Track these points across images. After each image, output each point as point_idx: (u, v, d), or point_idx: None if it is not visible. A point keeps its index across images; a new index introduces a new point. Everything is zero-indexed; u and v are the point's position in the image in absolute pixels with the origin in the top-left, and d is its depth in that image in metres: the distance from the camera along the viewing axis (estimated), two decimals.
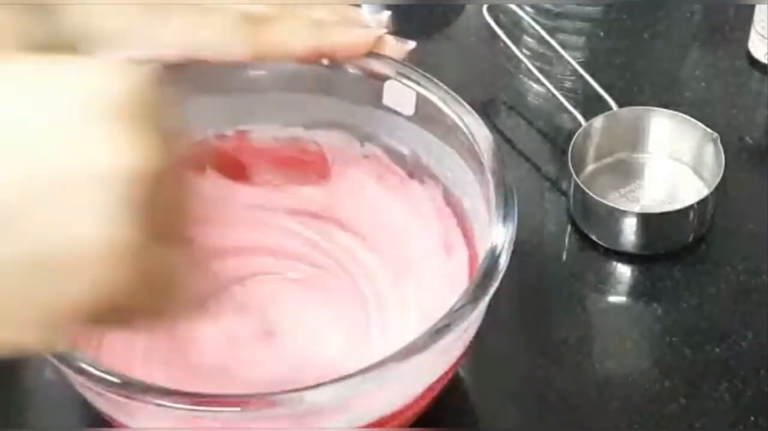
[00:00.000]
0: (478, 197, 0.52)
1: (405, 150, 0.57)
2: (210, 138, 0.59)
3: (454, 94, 0.53)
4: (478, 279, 0.47)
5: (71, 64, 0.34)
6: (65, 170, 0.32)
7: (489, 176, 0.50)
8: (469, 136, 0.52)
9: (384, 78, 0.54)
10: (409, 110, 0.55)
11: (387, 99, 0.55)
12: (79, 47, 0.44)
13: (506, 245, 0.48)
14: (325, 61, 0.53)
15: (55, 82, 0.33)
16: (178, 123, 0.35)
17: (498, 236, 0.48)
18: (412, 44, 0.54)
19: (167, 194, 0.34)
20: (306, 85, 0.56)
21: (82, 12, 0.45)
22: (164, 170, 0.33)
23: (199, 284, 0.37)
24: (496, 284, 0.47)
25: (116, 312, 0.34)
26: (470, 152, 0.52)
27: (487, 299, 0.47)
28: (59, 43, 0.44)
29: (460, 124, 0.52)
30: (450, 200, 0.56)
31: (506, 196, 0.49)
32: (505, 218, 0.48)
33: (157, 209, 0.33)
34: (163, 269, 0.35)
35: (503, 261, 0.47)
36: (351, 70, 0.54)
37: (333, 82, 0.55)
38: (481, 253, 0.49)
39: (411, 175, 0.58)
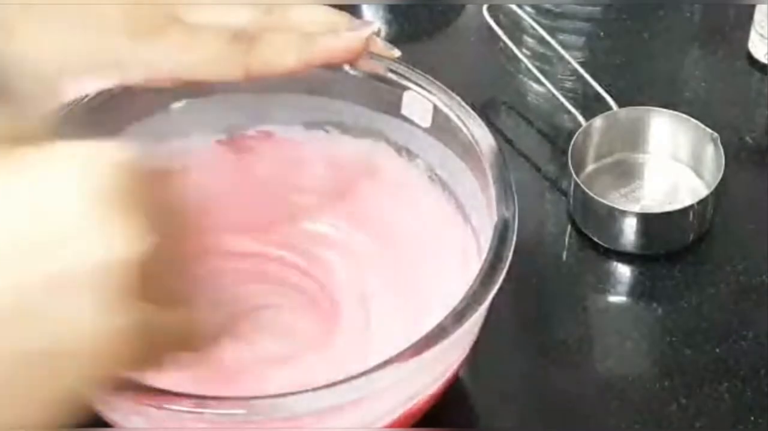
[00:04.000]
0: (484, 213, 0.52)
1: (420, 160, 0.57)
2: (232, 137, 0.59)
3: (468, 107, 0.53)
4: (475, 288, 0.47)
5: (55, 155, 0.35)
6: (62, 268, 0.33)
7: (492, 190, 0.50)
8: (478, 150, 0.52)
9: (404, 88, 0.54)
10: (425, 121, 0.55)
11: (405, 109, 0.55)
12: (64, 77, 0.44)
13: (506, 257, 0.48)
14: (347, 67, 0.54)
15: (42, 178, 0.34)
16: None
17: (496, 247, 0.48)
18: (397, 53, 0.54)
19: (160, 266, 0.35)
20: (328, 88, 0.56)
21: (61, 41, 0.45)
22: (154, 247, 0.34)
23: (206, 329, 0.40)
24: (492, 294, 0.47)
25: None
26: (478, 166, 0.52)
27: (483, 307, 0.47)
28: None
29: (471, 138, 0.52)
30: (462, 213, 0.56)
31: (506, 218, 0.49)
32: (504, 236, 0.48)
33: (151, 283, 0.35)
34: (167, 333, 0.37)
35: (502, 269, 0.47)
36: (372, 78, 0.54)
37: (354, 88, 0.56)
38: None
39: (428, 185, 0.58)
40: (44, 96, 0.41)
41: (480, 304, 0.46)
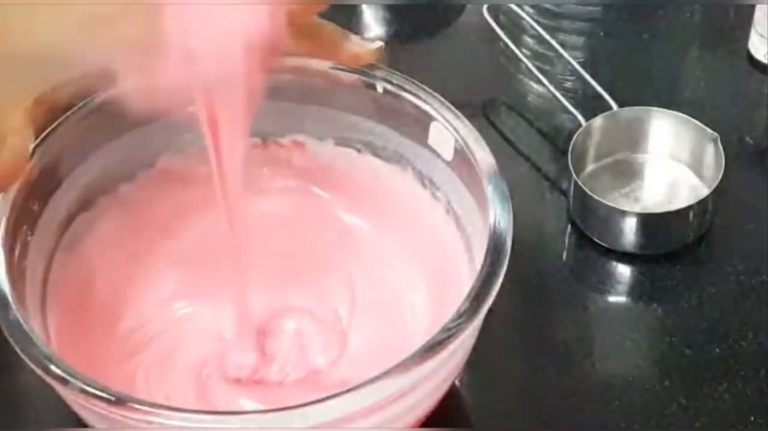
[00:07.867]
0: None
1: (441, 193, 0.57)
2: (267, 143, 0.59)
3: (486, 147, 0.53)
4: (468, 304, 0.47)
5: None
6: None
7: (491, 232, 0.49)
8: (483, 187, 0.51)
9: (431, 119, 0.54)
10: (448, 154, 0.55)
11: (431, 140, 0.55)
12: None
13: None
14: (380, 89, 0.54)
15: None
16: None
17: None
18: (379, 44, 0.54)
19: None
20: (361, 108, 0.56)
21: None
22: None
23: None
24: (484, 312, 0.47)
25: None
26: (483, 204, 0.51)
27: (477, 321, 0.47)
28: None
29: (480, 176, 0.52)
30: (469, 254, 0.55)
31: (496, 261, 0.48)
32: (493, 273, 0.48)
33: None
34: None
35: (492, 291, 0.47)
36: (404, 103, 0.55)
37: (386, 112, 0.56)
38: None
39: (444, 217, 0.57)
40: None
41: (445, 347, 0.45)
